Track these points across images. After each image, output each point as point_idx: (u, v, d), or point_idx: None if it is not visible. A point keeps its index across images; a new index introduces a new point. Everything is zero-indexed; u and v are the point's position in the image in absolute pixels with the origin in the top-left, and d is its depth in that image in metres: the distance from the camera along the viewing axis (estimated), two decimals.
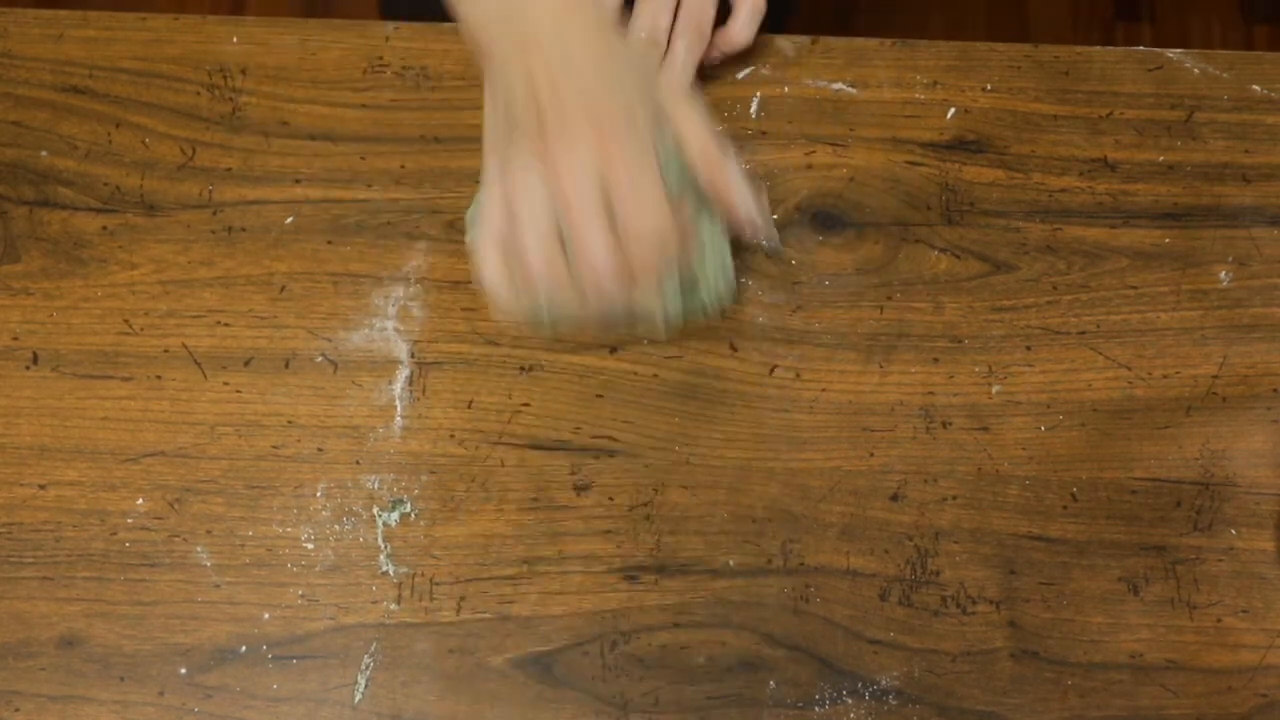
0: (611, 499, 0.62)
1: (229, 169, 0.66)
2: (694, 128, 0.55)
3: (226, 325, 0.63)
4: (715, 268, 0.59)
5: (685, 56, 0.65)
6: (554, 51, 0.53)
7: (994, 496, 0.62)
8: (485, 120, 0.56)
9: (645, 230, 0.52)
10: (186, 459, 0.62)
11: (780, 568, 0.61)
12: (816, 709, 0.59)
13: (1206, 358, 0.64)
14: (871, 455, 0.62)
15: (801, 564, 0.61)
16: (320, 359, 0.63)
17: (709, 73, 0.67)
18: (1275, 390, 0.64)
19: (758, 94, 0.67)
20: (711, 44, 0.66)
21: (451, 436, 0.62)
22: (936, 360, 0.64)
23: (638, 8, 0.65)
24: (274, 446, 0.62)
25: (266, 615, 0.60)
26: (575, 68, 0.53)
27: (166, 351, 0.63)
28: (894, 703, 0.59)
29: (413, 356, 0.63)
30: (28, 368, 0.63)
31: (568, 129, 0.52)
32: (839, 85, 0.67)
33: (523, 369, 0.63)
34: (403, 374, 0.63)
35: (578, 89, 0.52)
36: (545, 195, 0.52)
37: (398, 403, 0.63)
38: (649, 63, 0.62)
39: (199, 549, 0.61)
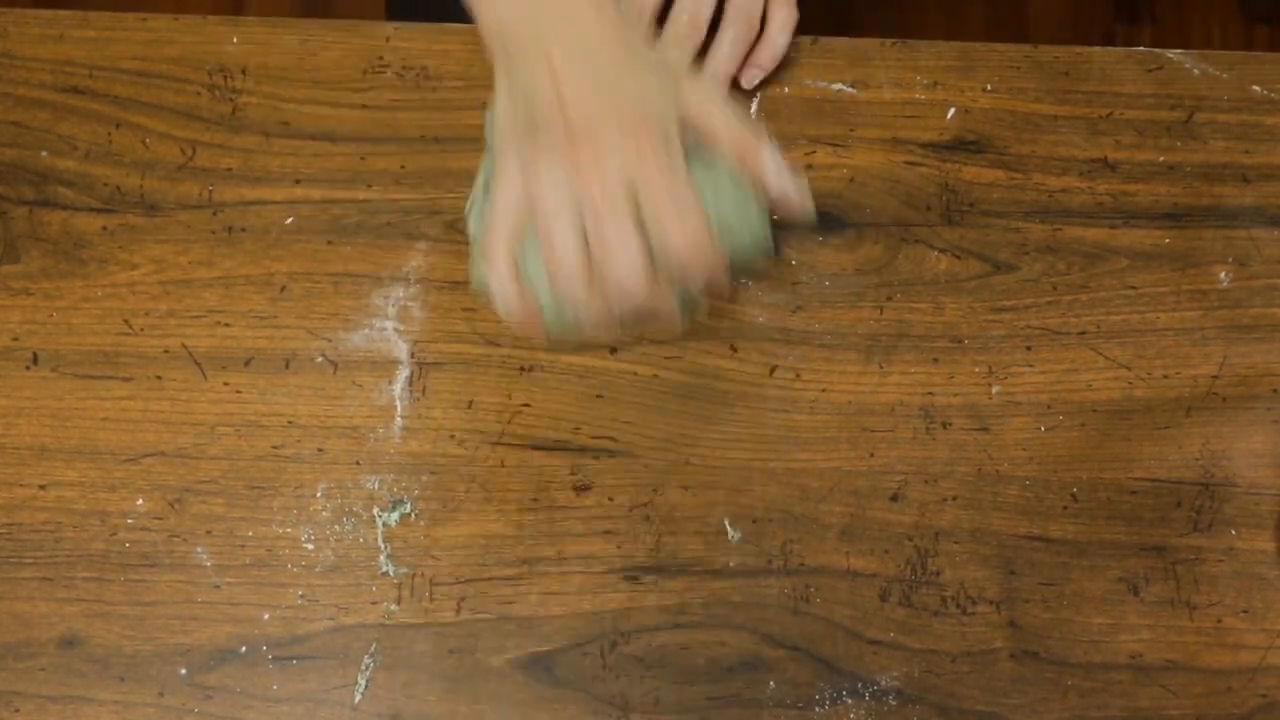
0: (611, 499, 0.62)
1: (229, 169, 0.66)
2: (721, 119, 0.54)
3: (226, 325, 0.63)
4: (744, 228, 0.57)
5: (730, 49, 0.64)
6: (578, 55, 0.52)
7: (994, 497, 0.62)
8: (498, 119, 0.54)
9: (684, 236, 0.51)
10: (186, 459, 0.62)
11: (780, 568, 0.61)
12: (816, 709, 0.59)
13: (1206, 358, 0.64)
14: (871, 455, 0.62)
15: (801, 564, 0.61)
16: (320, 359, 0.63)
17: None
18: (1275, 390, 0.64)
19: (758, 94, 0.67)
20: (748, 61, 0.65)
21: (451, 437, 0.62)
22: (936, 360, 0.64)
23: None
24: (274, 447, 0.62)
25: (266, 615, 0.60)
26: (602, 74, 0.52)
27: (166, 352, 0.63)
28: (894, 703, 0.59)
29: (413, 357, 0.63)
30: (28, 368, 0.63)
31: (599, 136, 0.51)
32: (839, 85, 0.67)
33: (523, 369, 0.63)
34: (403, 374, 0.63)
35: (607, 96, 0.52)
36: (572, 197, 0.51)
37: (398, 403, 0.63)
38: (675, 67, 0.58)
39: (199, 549, 0.61)
